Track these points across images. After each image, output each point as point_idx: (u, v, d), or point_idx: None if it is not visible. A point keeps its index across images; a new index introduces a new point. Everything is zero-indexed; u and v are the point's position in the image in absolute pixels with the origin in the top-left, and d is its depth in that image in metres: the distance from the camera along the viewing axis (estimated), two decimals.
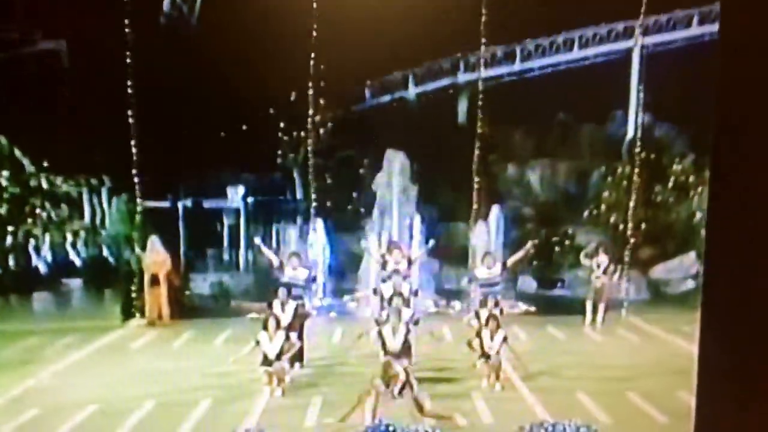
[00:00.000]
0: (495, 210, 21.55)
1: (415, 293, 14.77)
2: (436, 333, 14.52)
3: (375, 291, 15.38)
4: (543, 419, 10.33)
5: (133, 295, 18.38)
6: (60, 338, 16.44)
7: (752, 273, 2.84)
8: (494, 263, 15.08)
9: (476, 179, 21.79)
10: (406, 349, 12.36)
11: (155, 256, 17.78)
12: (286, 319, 13.12)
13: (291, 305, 13.22)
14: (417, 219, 21.31)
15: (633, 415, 11.36)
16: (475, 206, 22.34)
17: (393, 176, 21.10)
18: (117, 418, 11.14)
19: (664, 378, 12.92)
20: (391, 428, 9.80)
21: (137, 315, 18.39)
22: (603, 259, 18.04)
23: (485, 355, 12.85)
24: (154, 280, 17.64)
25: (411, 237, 21.19)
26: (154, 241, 18.05)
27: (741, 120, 2.82)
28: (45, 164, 23.33)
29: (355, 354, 14.60)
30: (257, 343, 12.46)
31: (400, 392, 10.59)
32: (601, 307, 17.99)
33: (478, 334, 13.08)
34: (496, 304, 14.20)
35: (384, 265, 14.92)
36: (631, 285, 21.71)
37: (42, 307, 20.94)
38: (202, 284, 21.92)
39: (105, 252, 23.09)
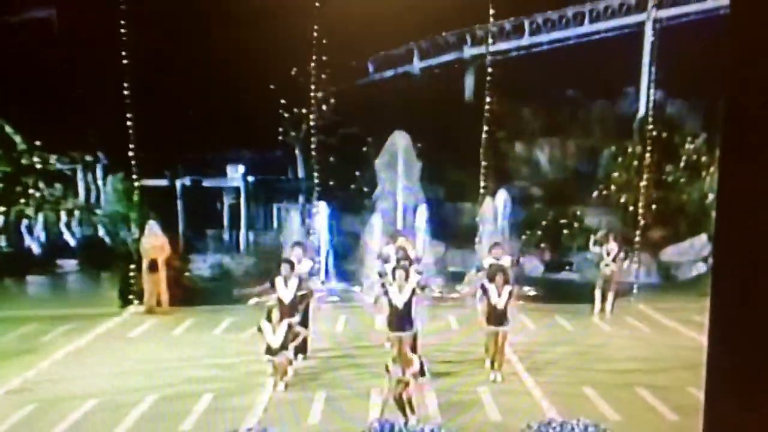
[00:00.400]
0: (502, 193, 20.89)
1: (419, 260, 14.75)
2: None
3: (379, 255, 15.61)
4: (550, 418, 10.15)
5: (131, 280, 17.79)
6: (57, 326, 16.20)
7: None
8: (502, 254, 14.49)
9: (483, 158, 21.16)
10: (408, 316, 12.31)
11: (154, 241, 17.34)
12: (288, 295, 12.81)
13: (294, 281, 12.85)
14: (422, 203, 20.84)
15: (642, 411, 11.16)
16: (482, 186, 21.74)
17: (397, 158, 20.41)
18: (118, 413, 10.96)
19: (674, 373, 12.77)
20: (396, 427, 9.63)
21: (135, 301, 17.83)
22: (613, 246, 17.78)
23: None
24: (153, 266, 17.23)
25: (414, 220, 20.61)
26: (152, 226, 17.61)
27: (751, 97, 2.76)
28: (37, 142, 22.60)
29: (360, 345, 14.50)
30: (259, 330, 12.22)
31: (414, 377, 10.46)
32: (610, 295, 17.80)
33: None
34: (506, 281, 13.81)
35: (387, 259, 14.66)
36: (641, 268, 21.23)
37: (37, 292, 20.51)
38: (202, 266, 21.55)
39: (101, 232, 22.47)
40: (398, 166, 20.71)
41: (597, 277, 17.94)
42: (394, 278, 12.63)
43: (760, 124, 2.73)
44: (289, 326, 12.36)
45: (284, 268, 12.92)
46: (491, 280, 12.82)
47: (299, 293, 13.10)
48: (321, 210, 20.71)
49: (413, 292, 12.38)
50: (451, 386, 12.18)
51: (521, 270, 21.65)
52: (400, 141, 20.76)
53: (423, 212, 20.74)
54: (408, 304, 12.25)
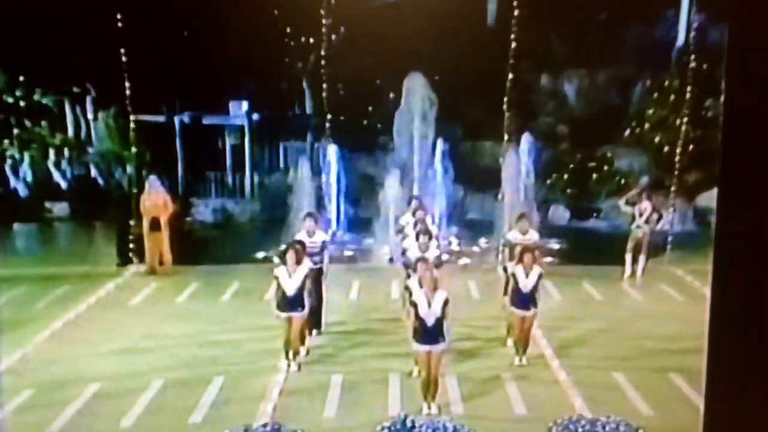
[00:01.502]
0: (526, 138, 19.59)
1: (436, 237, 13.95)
2: None
3: (399, 230, 15.06)
4: (579, 415, 9.90)
5: (131, 237, 16.74)
6: (50, 288, 15.70)
7: None
8: (529, 228, 13.85)
9: (507, 92, 19.72)
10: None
11: (155, 199, 16.51)
12: (299, 276, 11.76)
13: (301, 271, 11.71)
14: (439, 143, 20.10)
15: (676, 403, 10.53)
16: (505, 125, 20.46)
17: (412, 107, 19.15)
18: (122, 402, 10.60)
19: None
20: (417, 421, 9.46)
21: (135, 260, 16.90)
22: (646, 206, 17.00)
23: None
24: (155, 225, 16.32)
25: (432, 162, 19.40)
26: (152, 182, 16.79)
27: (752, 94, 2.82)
28: (21, 77, 21.08)
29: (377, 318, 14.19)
30: (276, 279, 11.56)
31: None
32: (642, 258, 17.22)
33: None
34: (534, 260, 12.96)
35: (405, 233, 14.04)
36: (676, 215, 20.11)
37: (26, 245, 19.50)
38: (203, 210, 20.58)
39: (93, 172, 21.28)
40: (414, 113, 19.39)
41: (628, 239, 17.16)
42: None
43: (761, 121, 2.80)
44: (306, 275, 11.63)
45: (290, 256, 11.52)
46: (519, 261, 12.01)
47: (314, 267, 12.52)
48: (330, 155, 19.42)
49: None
50: (472, 369, 11.85)
51: (546, 219, 20.61)
52: (416, 85, 19.64)
53: (440, 148, 19.99)
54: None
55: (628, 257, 16.95)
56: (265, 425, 9.65)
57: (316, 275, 12.74)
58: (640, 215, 16.84)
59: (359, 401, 10.68)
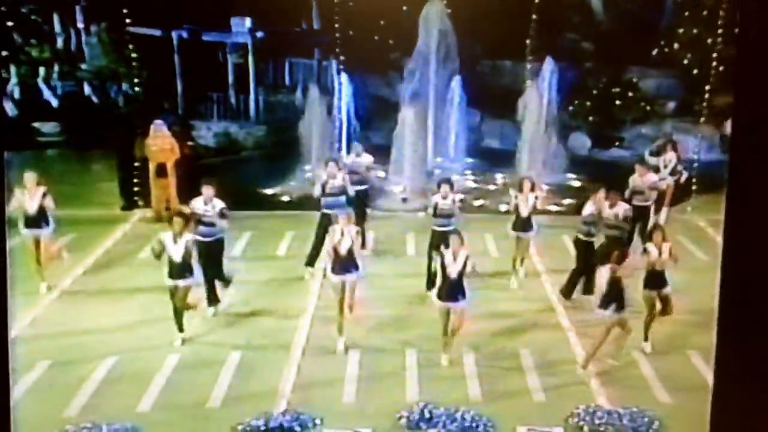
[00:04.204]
0: (549, 63, 19.35)
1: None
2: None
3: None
4: (596, 406, 10.04)
5: (135, 180, 16.49)
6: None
7: None
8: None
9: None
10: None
11: (161, 143, 16.17)
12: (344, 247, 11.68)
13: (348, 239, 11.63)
14: (456, 75, 19.69)
15: (694, 389, 9.97)
16: (528, 42, 19.91)
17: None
18: (138, 380, 10.66)
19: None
20: (436, 410, 9.83)
21: (140, 203, 16.68)
22: (671, 157, 16.86)
23: None
24: (161, 171, 15.99)
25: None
26: (158, 125, 16.38)
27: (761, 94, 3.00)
28: None
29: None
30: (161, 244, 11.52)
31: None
32: (664, 210, 17.00)
33: None
34: (533, 188, 13.76)
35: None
36: (703, 142, 19.93)
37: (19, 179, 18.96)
38: (206, 134, 20.27)
39: (86, 90, 20.71)
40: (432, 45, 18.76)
41: None
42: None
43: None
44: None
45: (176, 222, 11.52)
46: (519, 190, 13.48)
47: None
48: (343, 84, 18.94)
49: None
50: (489, 345, 11.80)
51: (566, 147, 20.38)
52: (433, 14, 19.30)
53: (458, 85, 19.23)
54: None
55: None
56: (284, 412, 9.87)
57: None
58: (665, 167, 16.68)
59: (376, 385, 10.70)
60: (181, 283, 11.48)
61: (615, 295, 10.74)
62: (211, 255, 12.38)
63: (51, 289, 13.25)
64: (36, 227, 13.00)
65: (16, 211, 12.75)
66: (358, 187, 14.22)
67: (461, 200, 15.13)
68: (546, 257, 14.88)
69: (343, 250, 11.38)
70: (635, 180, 14.95)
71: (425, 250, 13.28)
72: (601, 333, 10.98)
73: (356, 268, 11.58)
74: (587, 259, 12.86)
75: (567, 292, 13.21)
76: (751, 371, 3.19)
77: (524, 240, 13.75)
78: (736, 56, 3.15)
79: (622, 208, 13.11)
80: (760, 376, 3.17)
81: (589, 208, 13.10)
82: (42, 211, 12.96)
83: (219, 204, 12.47)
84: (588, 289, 12.66)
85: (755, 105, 3.02)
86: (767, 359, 3.16)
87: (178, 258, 11.37)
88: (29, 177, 13.03)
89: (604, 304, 10.79)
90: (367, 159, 15.21)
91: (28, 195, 12.88)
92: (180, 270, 11.40)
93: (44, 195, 12.98)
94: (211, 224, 12.37)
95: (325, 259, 12.26)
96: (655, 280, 11.47)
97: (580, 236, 13.15)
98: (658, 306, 11.58)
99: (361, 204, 14.48)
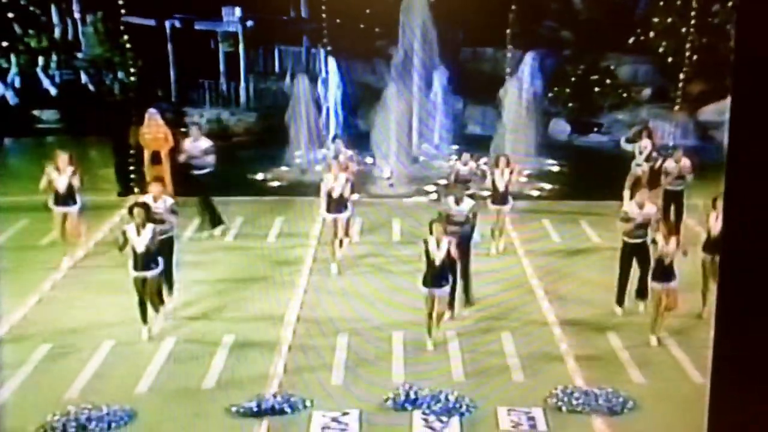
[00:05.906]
0: (529, 58, 19.23)
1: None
2: None
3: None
4: (573, 387, 10.23)
5: (131, 167, 16.60)
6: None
7: None
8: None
9: None
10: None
11: (155, 132, 16.20)
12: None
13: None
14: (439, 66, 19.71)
15: (668, 371, 10.68)
16: (507, 31, 20.04)
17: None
18: (134, 361, 10.82)
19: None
20: (421, 392, 10.01)
21: (136, 189, 17.13)
22: (646, 143, 17.13)
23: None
24: (156, 159, 16.14)
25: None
26: (152, 114, 16.52)
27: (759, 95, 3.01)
28: None
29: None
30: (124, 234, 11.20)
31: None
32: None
33: None
34: (508, 164, 14.58)
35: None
36: (677, 128, 20.16)
37: (18, 165, 19.06)
38: (198, 120, 20.16)
39: (83, 78, 20.74)
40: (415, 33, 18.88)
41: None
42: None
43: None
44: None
45: (137, 214, 11.08)
46: (495, 165, 14.45)
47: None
48: (331, 71, 19.02)
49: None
50: (473, 327, 12.02)
51: (546, 133, 20.57)
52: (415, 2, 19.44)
53: (440, 73, 19.27)
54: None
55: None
56: (275, 394, 9.98)
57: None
58: (640, 153, 16.95)
59: (365, 368, 10.86)
60: (148, 274, 11.23)
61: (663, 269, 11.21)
62: (162, 253, 11.68)
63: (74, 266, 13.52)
64: (65, 205, 13.51)
65: (46, 188, 13.29)
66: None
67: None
68: (527, 241, 15.09)
69: (335, 194, 13.22)
70: (670, 164, 15.31)
71: (410, 236, 13.79)
72: (654, 304, 11.49)
73: (346, 208, 13.51)
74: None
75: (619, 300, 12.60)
76: (748, 370, 3.18)
77: (502, 212, 14.66)
78: (735, 56, 3.18)
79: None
80: (758, 375, 3.17)
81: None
82: (71, 190, 13.42)
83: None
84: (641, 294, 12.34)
85: (755, 105, 3.05)
86: (765, 358, 3.15)
87: (141, 248, 11.09)
88: (61, 156, 13.42)
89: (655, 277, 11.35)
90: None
91: (59, 173, 13.28)
92: (145, 261, 11.15)
93: (74, 173, 13.40)
94: (161, 221, 11.82)
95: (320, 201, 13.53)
96: (663, 272, 11.39)
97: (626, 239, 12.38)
98: (664, 300, 11.50)
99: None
